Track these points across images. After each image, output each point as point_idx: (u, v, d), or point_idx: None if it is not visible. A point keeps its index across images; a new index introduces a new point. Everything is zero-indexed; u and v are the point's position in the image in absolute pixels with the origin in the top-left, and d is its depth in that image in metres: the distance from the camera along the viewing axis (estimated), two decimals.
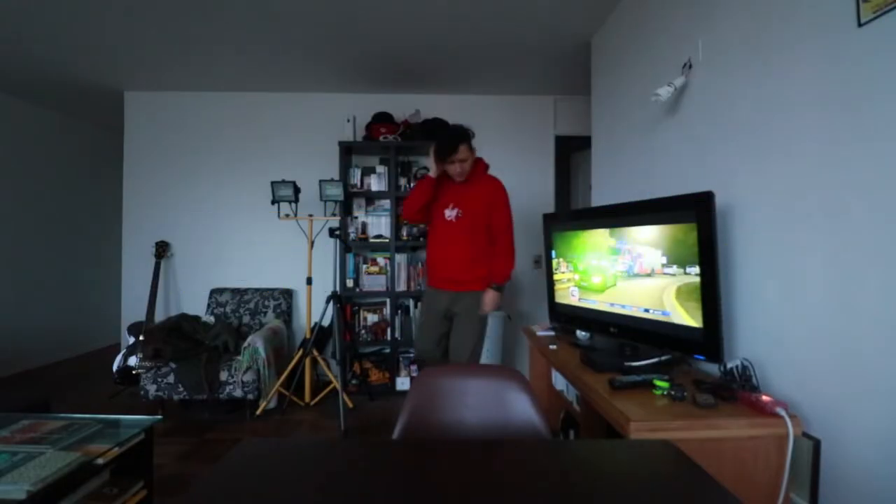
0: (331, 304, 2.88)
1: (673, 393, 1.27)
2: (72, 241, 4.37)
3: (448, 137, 2.01)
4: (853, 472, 1.06)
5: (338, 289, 2.99)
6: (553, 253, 2.24)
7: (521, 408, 0.97)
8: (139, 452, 1.16)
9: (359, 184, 3.45)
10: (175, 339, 2.83)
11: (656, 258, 1.55)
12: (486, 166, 2.19)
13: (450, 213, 2.10)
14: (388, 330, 3.34)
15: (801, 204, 1.21)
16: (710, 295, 1.34)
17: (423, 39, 2.74)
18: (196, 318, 3.09)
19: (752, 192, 1.39)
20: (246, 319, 3.38)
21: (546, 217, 2.30)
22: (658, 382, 1.33)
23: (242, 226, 3.62)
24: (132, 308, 3.56)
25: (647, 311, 1.60)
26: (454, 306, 2.15)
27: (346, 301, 3.34)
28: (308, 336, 3.06)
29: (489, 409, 1.00)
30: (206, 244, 3.64)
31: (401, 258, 3.36)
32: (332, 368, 3.08)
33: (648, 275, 1.59)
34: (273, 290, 3.49)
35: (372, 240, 3.44)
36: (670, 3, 1.84)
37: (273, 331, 3.08)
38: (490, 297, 2.09)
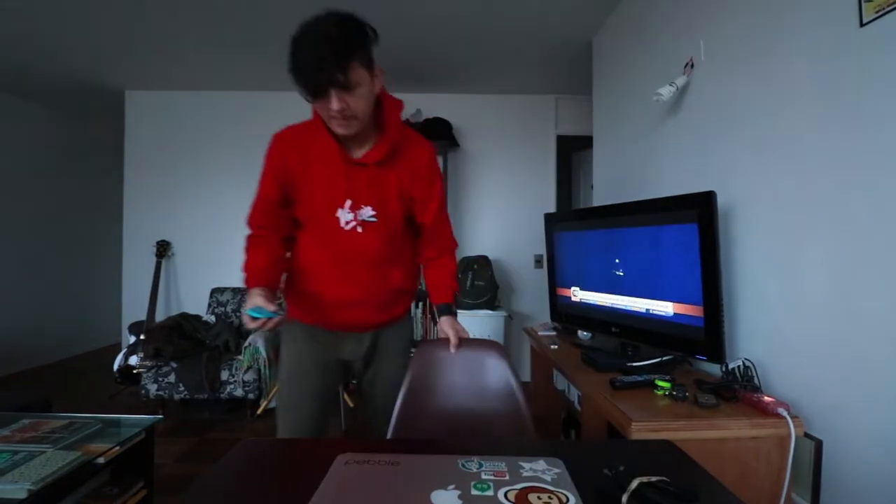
0: None
1: (674, 393, 1.27)
2: (72, 240, 4.38)
3: (312, 33, 0.96)
4: (855, 472, 1.06)
5: None
6: (555, 253, 2.23)
7: (499, 373, 1.16)
8: (140, 452, 1.16)
9: None
10: (176, 338, 2.83)
11: (657, 257, 1.55)
12: (400, 104, 1.14)
13: (348, 217, 1.11)
14: None
15: (803, 204, 1.20)
16: (712, 295, 1.33)
17: (423, 39, 2.73)
18: (197, 318, 3.09)
19: (754, 192, 1.39)
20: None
21: (547, 216, 2.30)
22: (659, 382, 1.33)
23: (243, 225, 3.58)
24: (133, 307, 3.56)
25: (648, 310, 1.60)
26: (363, 351, 1.25)
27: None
28: None
29: (475, 373, 1.19)
30: (207, 243, 3.64)
31: None
32: None
33: (649, 274, 1.59)
34: None
35: None
36: (672, 3, 1.84)
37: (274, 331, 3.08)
38: (455, 327, 1.22)
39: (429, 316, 3.34)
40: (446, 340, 1.21)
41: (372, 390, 1.29)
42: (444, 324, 1.24)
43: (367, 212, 1.11)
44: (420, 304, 3.37)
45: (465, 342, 1.21)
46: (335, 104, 0.95)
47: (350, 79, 0.94)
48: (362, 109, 1.01)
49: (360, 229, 1.12)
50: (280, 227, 1.22)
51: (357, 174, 1.10)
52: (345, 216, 1.11)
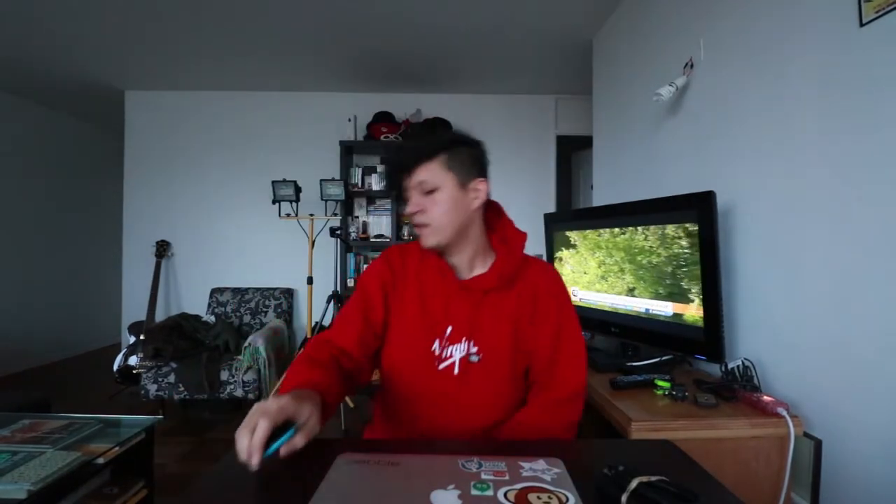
0: (332, 303, 2.88)
1: (674, 393, 1.27)
2: (72, 240, 4.37)
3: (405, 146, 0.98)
4: (854, 472, 1.06)
5: (338, 288, 2.99)
6: (554, 252, 2.23)
7: None
8: (140, 452, 1.16)
9: (360, 183, 3.46)
10: (176, 338, 2.83)
11: (657, 257, 1.55)
12: (523, 236, 0.96)
13: (455, 354, 0.88)
14: None
15: (803, 204, 1.21)
16: (712, 295, 1.33)
17: (424, 39, 2.73)
18: (197, 318, 3.09)
19: (754, 192, 1.39)
20: (247, 319, 3.38)
21: (547, 217, 2.30)
22: (659, 382, 1.33)
23: (243, 225, 3.62)
24: (133, 307, 3.57)
25: (647, 311, 1.60)
26: None
27: (346, 300, 3.35)
28: (309, 336, 3.06)
29: None
30: (207, 243, 3.64)
31: None
32: None
33: (649, 274, 1.59)
34: (274, 289, 3.49)
35: (373, 239, 3.44)
36: (672, 3, 1.84)
37: (274, 330, 3.08)
38: None
39: None
40: None
41: None
42: None
43: (468, 348, 0.88)
44: None
45: None
46: (409, 206, 0.88)
47: (423, 178, 0.86)
48: (437, 217, 0.86)
49: (456, 370, 0.88)
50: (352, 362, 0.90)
51: (463, 298, 0.90)
52: (450, 352, 0.88)
